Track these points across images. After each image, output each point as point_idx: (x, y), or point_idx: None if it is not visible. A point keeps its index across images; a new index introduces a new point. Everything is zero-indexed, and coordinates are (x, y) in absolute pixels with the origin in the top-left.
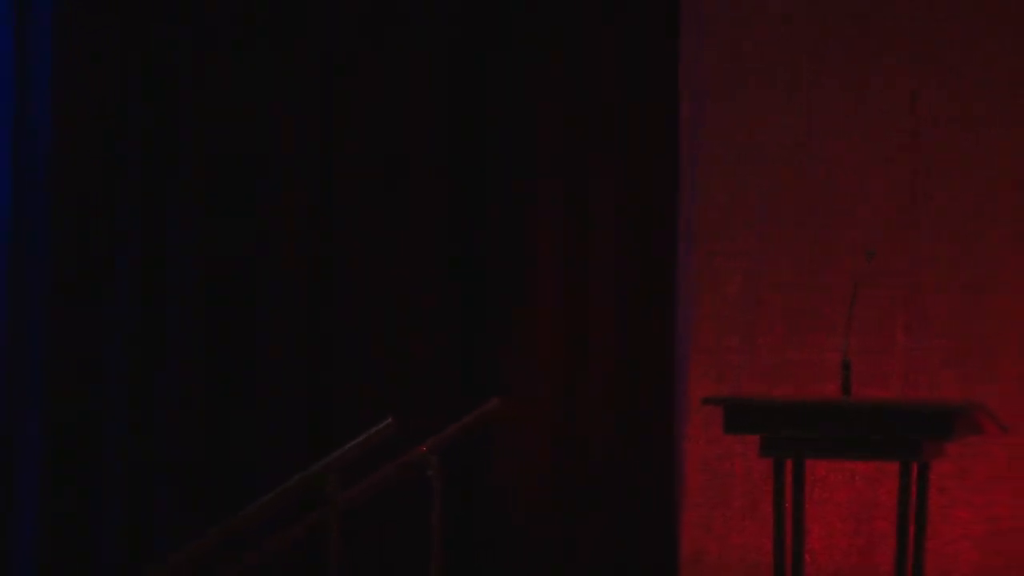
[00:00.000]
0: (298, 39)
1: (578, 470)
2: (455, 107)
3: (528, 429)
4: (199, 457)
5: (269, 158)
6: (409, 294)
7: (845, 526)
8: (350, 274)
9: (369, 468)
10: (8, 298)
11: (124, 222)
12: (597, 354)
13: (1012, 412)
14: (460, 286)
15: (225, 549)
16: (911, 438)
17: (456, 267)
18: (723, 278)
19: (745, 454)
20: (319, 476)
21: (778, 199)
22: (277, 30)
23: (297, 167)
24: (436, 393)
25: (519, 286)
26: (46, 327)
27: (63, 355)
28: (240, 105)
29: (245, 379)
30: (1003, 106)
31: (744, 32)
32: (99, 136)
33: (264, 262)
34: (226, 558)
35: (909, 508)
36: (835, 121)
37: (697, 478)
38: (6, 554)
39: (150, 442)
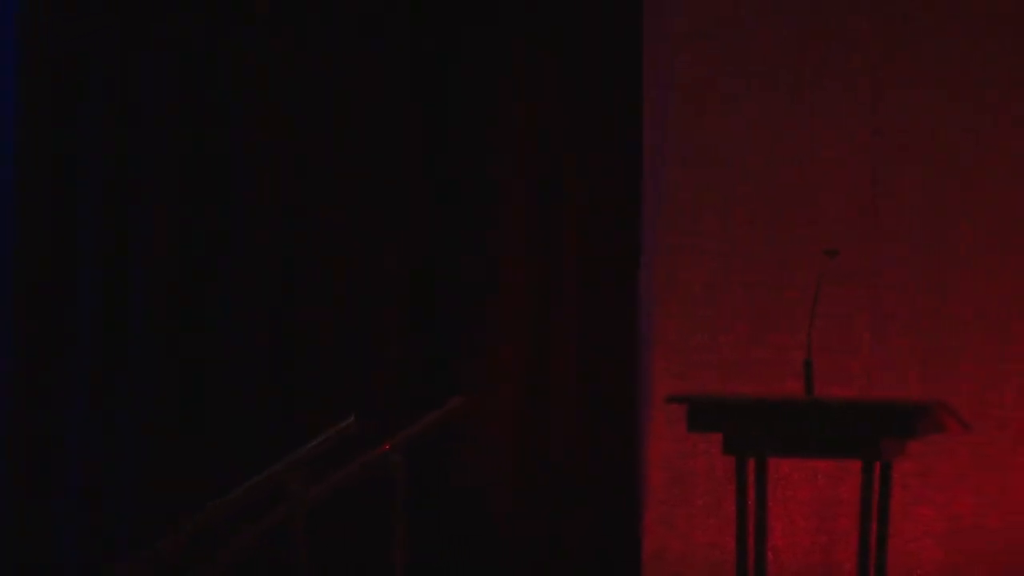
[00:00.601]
0: (272, 39)
1: (542, 468)
2: (421, 107)
3: (492, 427)
4: (162, 455)
5: (234, 157)
6: (373, 293)
7: (808, 524)
8: (314, 273)
9: (333, 467)
10: None
11: (87, 222)
12: (561, 352)
13: (974, 410)
14: (424, 285)
15: (188, 548)
16: (873, 436)
17: (421, 266)
18: (687, 277)
19: (708, 452)
20: (282, 474)
21: (743, 198)
22: (242, 26)
23: (262, 166)
24: (400, 392)
25: (483, 285)
26: (6, 324)
27: (25, 352)
28: (206, 105)
29: (208, 378)
30: (964, 105)
31: (709, 32)
32: (61, 137)
33: (227, 261)
34: (189, 556)
35: (871, 506)
36: (799, 120)
37: (660, 476)
38: None
39: (112, 441)
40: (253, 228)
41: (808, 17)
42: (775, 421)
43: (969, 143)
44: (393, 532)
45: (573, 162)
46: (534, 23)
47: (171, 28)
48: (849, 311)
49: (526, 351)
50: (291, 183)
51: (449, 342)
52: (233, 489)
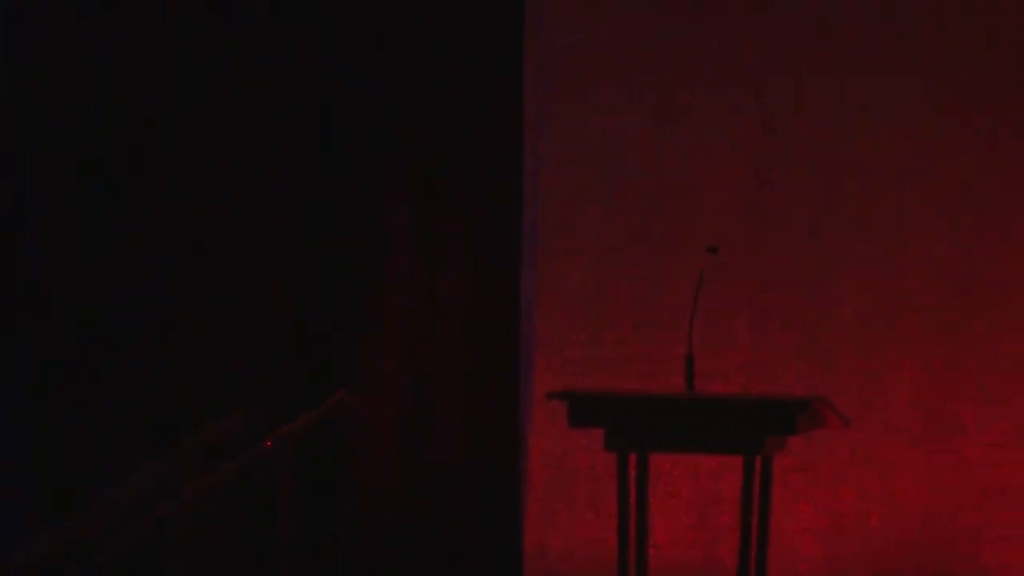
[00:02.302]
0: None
1: (424, 466)
2: (313, 108)
3: (375, 424)
4: (44, 452)
5: (126, 152)
6: (260, 288)
7: (689, 520)
8: (200, 269)
9: (218, 461)
10: None
11: None
12: (443, 349)
13: (854, 406)
14: (311, 281)
15: (72, 545)
16: (754, 432)
17: (306, 262)
18: (568, 274)
19: (589, 448)
20: (167, 469)
21: (624, 194)
22: (149, 30)
23: (150, 162)
24: (286, 386)
25: (369, 283)
26: None
27: None
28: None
29: (92, 373)
30: (847, 98)
31: (589, 29)
32: None
33: (115, 252)
34: (72, 554)
35: (752, 502)
36: (681, 114)
37: (542, 472)
38: None
39: None
40: (137, 219)
41: (689, 13)
42: (656, 417)
43: (855, 140)
44: (278, 525)
45: (454, 163)
46: (415, 15)
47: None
48: (731, 307)
49: (409, 348)
50: (174, 176)
51: (334, 339)
52: (117, 483)
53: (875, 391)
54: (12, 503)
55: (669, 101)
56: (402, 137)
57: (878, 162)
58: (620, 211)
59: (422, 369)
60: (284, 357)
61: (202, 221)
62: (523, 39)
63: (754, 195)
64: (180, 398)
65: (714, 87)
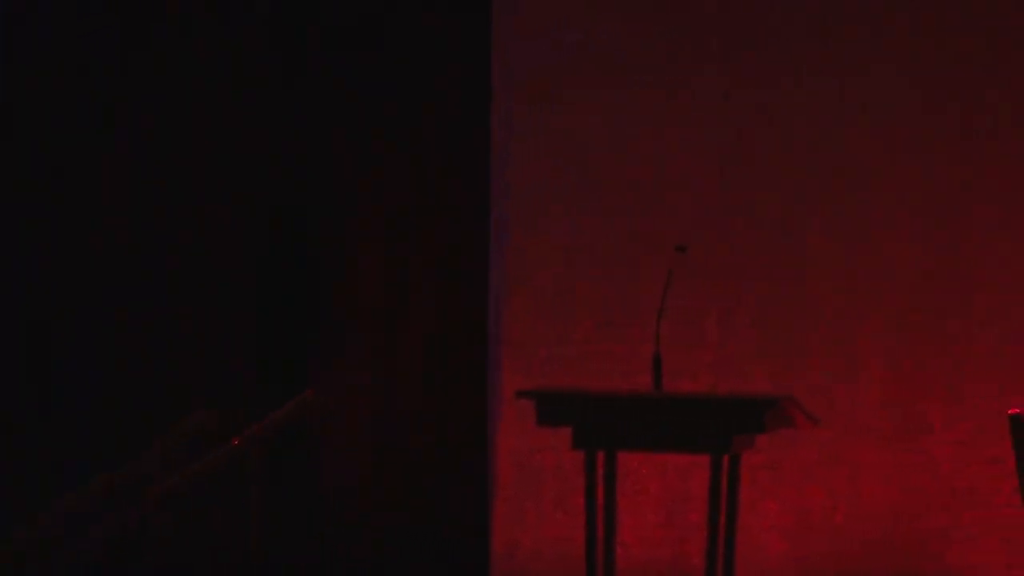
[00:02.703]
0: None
1: (392, 465)
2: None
3: (344, 423)
4: (10, 452)
5: (77, 139)
6: (230, 290)
7: (657, 518)
8: (167, 266)
9: (189, 460)
10: None
11: None
12: (411, 349)
13: (822, 405)
14: (280, 283)
15: (41, 543)
16: (722, 431)
17: (276, 265)
18: (536, 273)
19: (557, 447)
20: (137, 467)
21: (591, 192)
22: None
23: (105, 156)
24: (256, 386)
25: (337, 284)
26: None
27: None
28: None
29: (59, 372)
30: (811, 99)
31: (557, 30)
32: None
33: (71, 255)
34: (42, 552)
35: (720, 500)
36: (648, 115)
37: (510, 471)
38: None
39: None
40: (100, 220)
41: (657, 15)
42: (624, 416)
43: (819, 140)
44: (248, 523)
45: (423, 162)
46: (383, 17)
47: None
48: (698, 306)
49: (377, 347)
50: (138, 174)
51: (303, 338)
52: (87, 482)
53: (843, 390)
54: None
55: (634, 101)
56: (371, 136)
57: (845, 162)
58: (588, 210)
59: (390, 368)
60: (252, 358)
61: (166, 220)
62: (491, 38)
63: (720, 195)
64: (144, 401)
65: (680, 88)
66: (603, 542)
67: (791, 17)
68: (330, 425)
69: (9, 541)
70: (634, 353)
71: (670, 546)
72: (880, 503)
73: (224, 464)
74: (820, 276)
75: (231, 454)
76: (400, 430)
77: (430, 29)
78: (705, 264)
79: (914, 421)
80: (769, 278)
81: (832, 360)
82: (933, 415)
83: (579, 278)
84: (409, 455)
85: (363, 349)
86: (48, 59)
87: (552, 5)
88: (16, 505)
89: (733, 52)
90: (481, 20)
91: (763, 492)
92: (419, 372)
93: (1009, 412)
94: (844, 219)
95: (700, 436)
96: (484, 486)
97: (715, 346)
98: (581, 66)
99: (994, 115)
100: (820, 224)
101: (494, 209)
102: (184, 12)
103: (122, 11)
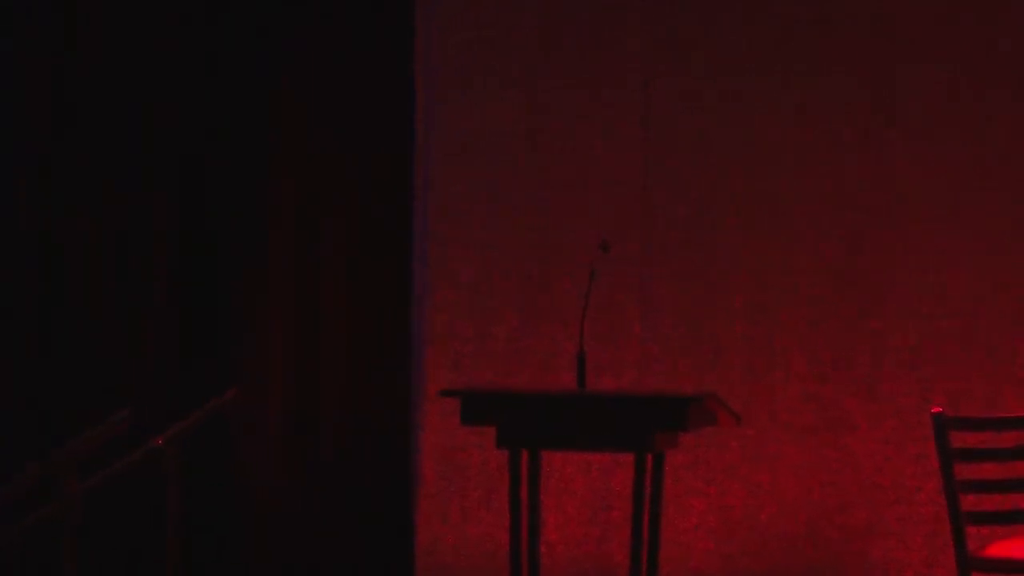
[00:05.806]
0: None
1: (314, 462)
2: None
3: (264, 420)
4: None
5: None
6: (145, 286)
7: (581, 516)
8: (82, 263)
9: (107, 461)
10: None
11: None
12: (332, 345)
13: (745, 402)
14: (196, 277)
15: None
16: (645, 429)
17: (191, 258)
18: (458, 269)
19: (482, 445)
20: (52, 469)
21: (513, 189)
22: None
23: (25, 156)
24: (174, 384)
25: (254, 278)
26: None
27: None
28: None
29: None
30: (732, 93)
31: (477, 22)
32: None
33: None
34: None
35: (644, 498)
36: (567, 110)
37: (433, 468)
38: None
39: None
40: (19, 216)
41: (575, 6)
42: (547, 414)
43: (741, 134)
44: (166, 525)
45: (342, 155)
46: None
47: None
48: (621, 302)
49: (297, 343)
50: (59, 169)
51: (221, 335)
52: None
53: (764, 386)
54: None
55: (554, 94)
56: (287, 127)
57: (765, 156)
58: (510, 206)
59: (309, 364)
60: (172, 357)
61: (88, 228)
62: (414, 31)
63: (640, 190)
64: (61, 402)
65: (600, 81)
66: (527, 540)
67: (717, 5)
68: (249, 424)
69: None
70: (557, 349)
71: (594, 543)
72: (802, 500)
73: (145, 464)
74: (743, 271)
75: (152, 453)
76: (320, 427)
77: (354, 20)
78: (627, 260)
79: (835, 417)
80: (690, 274)
81: (753, 356)
82: (854, 411)
83: (502, 274)
84: (329, 452)
85: (281, 345)
86: None
87: (470, 3)
88: None
89: (649, 45)
90: (404, 13)
91: (687, 489)
92: (339, 368)
93: (932, 410)
94: (765, 214)
95: (623, 434)
96: (408, 483)
97: (638, 342)
98: (499, 58)
99: (909, 111)
100: (743, 220)
101: (417, 206)
102: None
103: None
